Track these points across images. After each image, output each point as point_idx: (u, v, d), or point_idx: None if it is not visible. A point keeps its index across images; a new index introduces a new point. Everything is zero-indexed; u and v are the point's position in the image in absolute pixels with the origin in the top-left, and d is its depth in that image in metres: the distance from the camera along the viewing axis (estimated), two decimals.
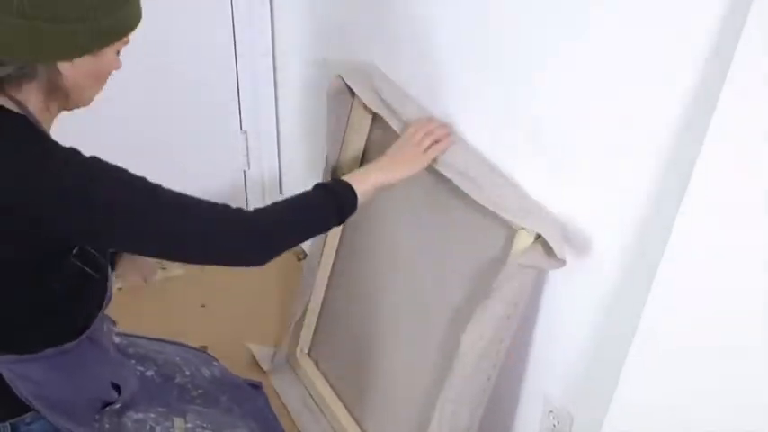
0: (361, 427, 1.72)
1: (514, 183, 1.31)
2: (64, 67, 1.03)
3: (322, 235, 1.70)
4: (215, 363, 1.55)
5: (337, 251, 1.75)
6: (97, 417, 1.23)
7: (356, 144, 1.61)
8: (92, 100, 1.13)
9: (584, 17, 1.11)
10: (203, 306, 2.13)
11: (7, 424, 1.17)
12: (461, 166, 1.31)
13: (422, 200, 1.47)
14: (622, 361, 1.12)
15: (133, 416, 1.27)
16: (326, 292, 1.80)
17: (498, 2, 1.28)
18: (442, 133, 1.33)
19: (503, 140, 1.36)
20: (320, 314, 1.85)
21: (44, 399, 1.17)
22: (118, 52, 1.10)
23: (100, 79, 1.11)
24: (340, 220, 1.20)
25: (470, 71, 1.40)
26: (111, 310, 1.39)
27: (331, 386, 1.82)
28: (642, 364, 1.10)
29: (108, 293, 1.23)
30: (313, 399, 1.83)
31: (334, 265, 1.76)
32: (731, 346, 1.00)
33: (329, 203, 1.19)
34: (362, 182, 1.23)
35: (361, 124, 1.60)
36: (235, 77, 2.19)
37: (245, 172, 2.38)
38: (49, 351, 1.15)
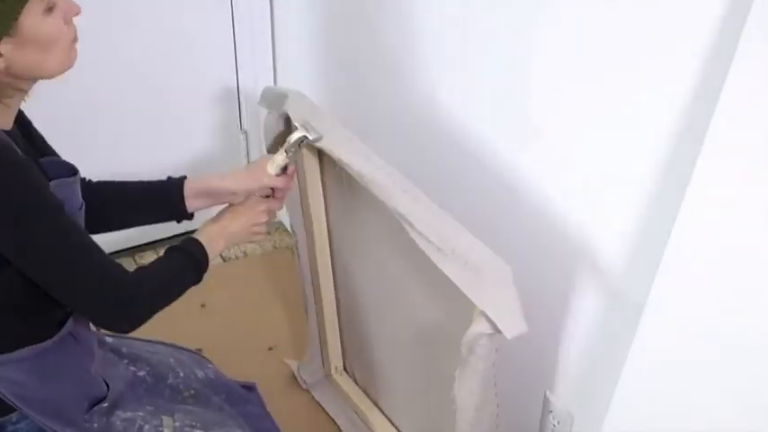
0: None
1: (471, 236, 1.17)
2: None
3: (300, 258, 1.70)
4: (209, 365, 1.55)
5: (333, 267, 1.70)
6: (86, 417, 1.23)
7: (315, 194, 1.55)
8: (66, 63, 1.07)
9: (585, 16, 1.11)
10: (203, 306, 2.13)
11: None
12: (422, 226, 1.18)
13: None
14: (622, 361, 1.12)
15: (121, 415, 1.26)
16: (338, 309, 1.77)
17: (507, 1, 1.28)
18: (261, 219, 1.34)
19: (503, 141, 1.36)
20: (341, 331, 1.81)
21: (27, 400, 1.16)
22: (49, 7, 1.02)
23: (47, 47, 1.03)
24: (199, 279, 1.24)
25: (471, 72, 1.40)
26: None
27: (370, 398, 1.80)
28: (642, 364, 1.10)
29: None
30: (357, 414, 1.81)
31: (335, 281, 1.72)
32: (731, 347, 1.00)
33: (193, 269, 1.22)
34: (213, 241, 1.26)
35: (314, 174, 1.52)
36: (235, 77, 2.20)
37: None
38: (24, 351, 1.14)
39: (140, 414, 1.27)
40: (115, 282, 1.11)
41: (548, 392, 1.45)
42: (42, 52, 1.03)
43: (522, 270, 1.42)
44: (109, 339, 1.37)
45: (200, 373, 1.49)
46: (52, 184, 1.10)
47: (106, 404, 1.25)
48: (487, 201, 1.45)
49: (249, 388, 1.64)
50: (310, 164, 1.47)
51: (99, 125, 2.05)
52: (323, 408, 1.87)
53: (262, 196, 1.34)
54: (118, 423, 1.25)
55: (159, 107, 2.12)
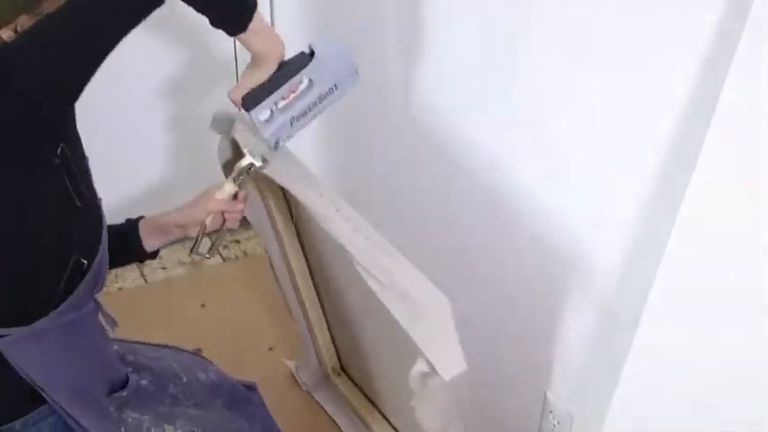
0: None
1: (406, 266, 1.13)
2: (8, 35, 0.98)
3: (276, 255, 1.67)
4: (210, 366, 1.56)
5: (310, 271, 1.69)
6: (105, 399, 1.23)
7: (282, 213, 1.55)
8: None
9: (584, 17, 1.11)
10: (203, 306, 2.13)
11: (15, 424, 1.17)
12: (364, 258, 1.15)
13: None
14: (622, 361, 1.12)
15: (131, 414, 1.27)
16: (324, 312, 1.77)
17: (500, 3, 1.28)
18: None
19: (504, 142, 1.36)
20: (331, 332, 1.81)
21: (52, 381, 1.15)
22: None
23: None
24: None
25: (471, 73, 1.40)
26: (111, 309, 1.39)
27: (368, 399, 1.81)
28: (642, 364, 1.10)
29: (102, 242, 1.17)
30: (356, 414, 1.81)
31: (315, 284, 1.71)
32: (731, 347, 1.00)
33: None
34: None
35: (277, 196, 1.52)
36: (235, 76, 2.20)
37: None
38: (44, 322, 1.12)
39: (146, 417, 1.28)
40: None
41: (548, 392, 1.45)
42: None
43: (523, 270, 1.42)
44: (115, 347, 1.37)
45: (201, 376, 1.49)
46: None
47: (125, 393, 1.25)
48: (486, 201, 1.45)
49: (250, 388, 1.65)
50: (271, 184, 1.46)
51: (96, 123, 2.05)
52: (323, 408, 1.87)
53: (216, 222, 1.34)
54: (129, 420, 1.25)
55: (158, 107, 2.12)
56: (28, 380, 1.13)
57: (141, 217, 1.37)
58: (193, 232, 1.35)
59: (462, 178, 1.50)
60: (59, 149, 1.02)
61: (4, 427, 1.16)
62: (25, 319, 1.11)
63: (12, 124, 0.96)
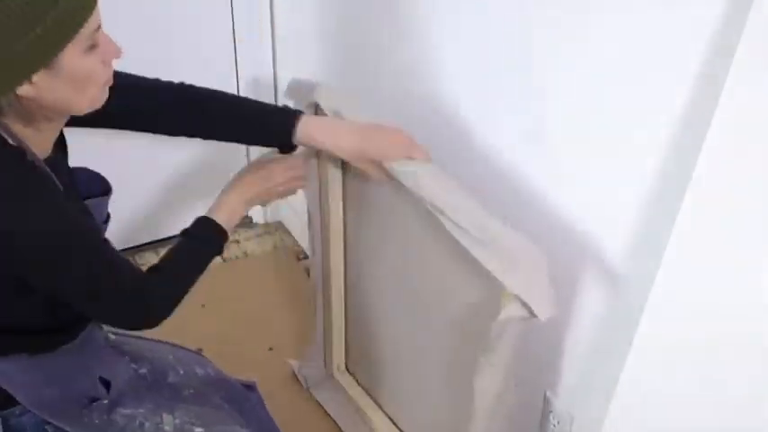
0: None
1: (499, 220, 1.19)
2: (24, 90, 0.96)
3: (318, 254, 1.68)
4: (209, 363, 1.56)
5: (345, 264, 1.70)
6: (85, 411, 1.23)
7: (336, 198, 1.56)
8: (96, 102, 1.05)
9: (586, 14, 1.11)
10: (203, 306, 2.13)
11: None
12: (446, 203, 1.21)
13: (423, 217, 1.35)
14: (622, 361, 1.12)
15: (122, 411, 1.26)
16: (346, 308, 1.77)
17: (502, 3, 1.28)
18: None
19: (504, 140, 1.36)
20: (346, 330, 1.82)
21: (25, 396, 1.17)
22: (92, 46, 0.99)
23: (81, 85, 1.00)
24: (220, 251, 1.28)
25: (471, 71, 1.40)
26: None
27: (372, 399, 1.81)
28: (642, 364, 1.10)
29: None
30: (358, 413, 1.81)
31: (345, 279, 1.72)
32: (732, 347, 1.00)
33: (209, 251, 1.25)
34: (224, 211, 1.26)
35: (334, 177, 1.52)
36: (235, 76, 2.20)
37: None
38: (36, 359, 1.15)
39: (141, 411, 1.28)
40: (132, 288, 1.14)
41: (548, 392, 1.45)
42: (74, 89, 1.00)
43: None
44: (111, 337, 1.37)
45: (200, 372, 1.49)
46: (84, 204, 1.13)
47: (106, 402, 1.25)
48: (484, 200, 1.45)
49: (249, 387, 1.65)
50: (331, 160, 1.48)
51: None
52: (323, 407, 1.87)
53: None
54: (119, 419, 1.25)
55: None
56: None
57: (301, 112, 1.29)
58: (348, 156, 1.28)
59: (471, 173, 1.50)
60: None
61: (6, 411, 1.18)
62: (24, 351, 1.15)
63: None
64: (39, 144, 1.06)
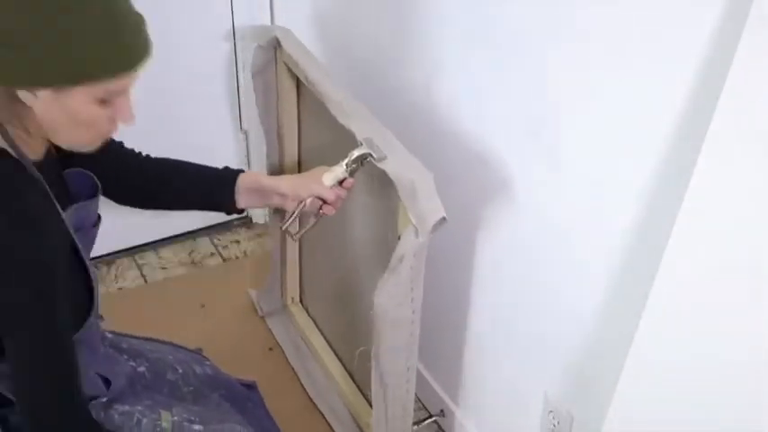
0: (346, 368, 1.84)
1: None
2: (24, 95, 0.94)
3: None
4: (207, 362, 1.56)
5: None
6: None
7: (290, 114, 1.67)
8: (84, 146, 1.04)
9: (585, 13, 1.11)
10: (203, 306, 2.13)
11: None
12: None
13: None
14: (622, 361, 1.12)
15: (120, 408, 1.26)
16: (301, 243, 1.89)
17: (502, 3, 1.28)
18: None
19: (502, 139, 1.36)
20: (300, 265, 1.95)
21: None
22: (106, 101, 0.97)
23: (79, 127, 0.99)
24: None
25: (470, 70, 1.40)
26: (111, 309, 1.39)
27: (320, 330, 1.95)
28: (642, 364, 1.10)
29: (94, 304, 1.18)
30: (305, 342, 1.95)
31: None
32: (732, 347, 1.00)
33: None
34: None
35: (289, 92, 1.64)
36: (235, 76, 2.19)
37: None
38: None
39: (139, 408, 1.28)
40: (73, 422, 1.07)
41: (548, 392, 1.45)
42: (68, 124, 0.99)
43: (523, 270, 1.42)
44: (109, 335, 1.37)
45: (198, 370, 1.49)
46: (71, 209, 1.10)
47: (104, 399, 1.25)
48: (482, 198, 1.45)
49: (249, 386, 1.65)
50: (287, 84, 1.61)
51: None
52: (321, 411, 1.87)
53: (314, 205, 1.32)
54: (116, 417, 1.25)
55: (157, 107, 2.12)
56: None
57: (241, 170, 1.34)
58: (291, 206, 1.32)
59: (458, 176, 1.50)
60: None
61: (5, 410, 1.17)
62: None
63: None
64: (30, 146, 1.05)
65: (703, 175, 0.92)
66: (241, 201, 1.33)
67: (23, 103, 0.96)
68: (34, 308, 1.00)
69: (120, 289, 2.20)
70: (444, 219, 1.16)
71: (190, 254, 2.29)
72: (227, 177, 1.33)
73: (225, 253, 2.32)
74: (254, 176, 1.34)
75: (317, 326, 1.98)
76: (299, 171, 1.73)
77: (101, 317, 1.35)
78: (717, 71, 0.90)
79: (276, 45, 1.57)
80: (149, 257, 2.29)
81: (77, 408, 1.09)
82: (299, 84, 1.63)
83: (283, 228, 1.35)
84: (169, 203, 1.36)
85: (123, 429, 1.24)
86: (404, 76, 1.60)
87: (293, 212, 1.32)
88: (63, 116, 0.97)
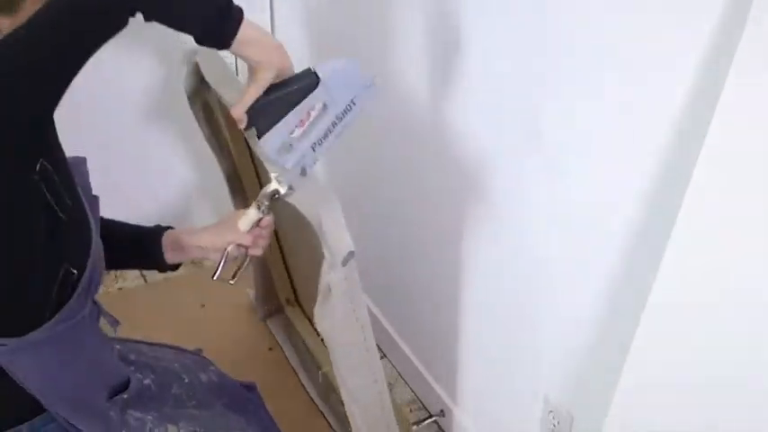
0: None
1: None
2: None
3: None
4: (211, 367, 1.56)
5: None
6: (107, 404, 1.22)
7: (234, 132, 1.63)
8: None
9: (585, 13, 1.11)
10: (203, 306, 2.13)
11: (22, 428, 1.16)
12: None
13: None
14: (622, 361, 1.12)
15: (134, 414, 1.27)
16: (279, 240, 1.89)
17: (502, 2, 1.28)
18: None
19: (503, 139, 1.36)
20: (286, 265, 1.95)
21: (46, 389, 1.16)
22: None
23: None
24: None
25: (470, 70, 1.40)
26: (112, 309, 1.39)
27: (315, 329, 1.91)
28: (642, 364, 1.10)
29: (93, 251, 1.15)
30: (302, 342, 1.94)
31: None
32: (733, 348, 1.00)
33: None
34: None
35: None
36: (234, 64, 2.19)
37: None
38: (37, 334, 1.12)
39: (149, 417, 1.28)
40: None
41: (548, 392, 1.45)
42: None
43: (523, 271, 1.42)
44: (117, 346, 1.37)
45: (203, 377, 1.49)
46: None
47: (126, 395, 1.24)
48: (482, 198, 1.45)
49: (249, 388, 1.65)
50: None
51: (94, 121, 2.05)
52: (322, 413, 1.87)
53: (239, 250, 1.32)
54: (131, 421, 1.25)
55: (157, 108, 2.12)
56: (26, 389, 1.13)
57: (170, 227, 1.35)
58: (215, 257, 1.33)
59: (456, 176, 1.50)
60: (38, 165, 1.00)
61: (12, 429, 1.16)
62: (18, 331, 1.10)
63: None
64: None
65: (703, 175, 0.92)
66: (169, 258, 1.34)
67: None
68: None
69: (120, 289, 2.20)
70: (352, 253, 1.14)
71: (212, 278, 2.28)
72: (154, 237, 1.33)
73: None
74: (174, 235, 1.34)
75: (312, 325, 1.96)
76: (257, 178, 1.71)
77: (117, 321, 1.33)
78: (717, 71, 0.90)
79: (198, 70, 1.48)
80: None
81: None
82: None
83: (215, 278, 1.36)
84: (107, 264, 1.34)
85: None
86: (403, 72, 1.60)
87: (219, 263, 1.32)
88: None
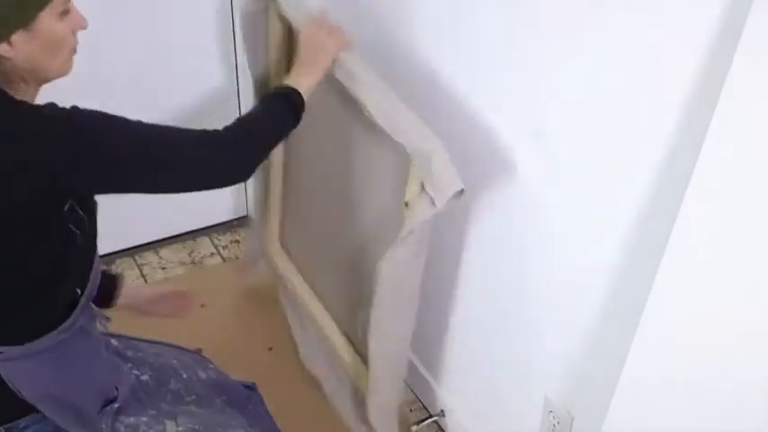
0: (331, 315, 1.83)
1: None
2: (2, 50, 1.02)
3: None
4: (210, 365, 1.56)
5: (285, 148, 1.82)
6: (99, 416, 1.23)
7: (278, 59, 1.66)
8: (65, 69, 1.11)
9: (584, 12, 1.11)
10: (203, 306, 2.13)
11: (1, 429, 1.17)
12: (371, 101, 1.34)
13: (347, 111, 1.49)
14: (622, 361, 1.12)
15: (125, 420, 1.26)
16: (284, 185, 1.89)
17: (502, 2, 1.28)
18: (339, 33, 1.40)
19: (503, 139, 1.36)
20: (282, 207, 1.95)
21: (42, 397, 1.16)
22: (65, 12, 1.07)
23: (55, 49, 1.07)
24: (297, 120, 1.28)
25: (470, 70, 1.40)
26: (111, 309, 1.39)
27: (301, 274, 1.94)
28: (642, 364, 1.10)
29: (94, 269, 1.23)
30: (287, 288, 1.94)
31: (285, 156, 1.83)
32: (733, 347, 1.00)
33: (287, 108, 1.27)
34: (300, 85, 1.30)
35: (280, 40, 1.64)
36: (234, 76, 2.19)
37: None
38: (36, 344, 1.14)
39: (144, 419, 1.28)
40: (209, 136, 1.17)
41: (548, 392, 1.45)
42: (47, 52, 1.06)
43: (523, 271, 1.42)
44: (114, 342, 1.37)
45: (202, 374, 1.49)
46: None
47: (117, 405, 1.25)
48: (481, 198, 1.45)
49: (249, 388, 1.65)
50: (276, 33, 1.59)
51: None
52: (322, 406, 1.87)
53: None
54: (122, 429, 1.25)
55: (157, 107, 2.12)
56: (21, 396, 1.14)
57: (121, 274, 1.44)
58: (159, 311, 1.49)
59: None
60: (67, 205, 1.08)
61: (10, 424, 1.18)
62: (17, 341, 1.13)
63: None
64: (30, 95, 1.10)
65: (703, 175, 0.92)
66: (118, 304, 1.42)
67: (3, 57, 1.03)
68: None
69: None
70: (462, 191, 1.18)
71: (190, 254, 2.29)
72: (115, 282, 1.41)
73: (225, 253, 2.32)
74: (126, 292, 1.43)
75: (300, 272, 1.96)
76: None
77: (107, 318, 1.34)
78: (717, 71, 0.90)
79: None
80: (149, 257, 2.29)
81: (209, 136, 1.18)
82: (290, 32, 1.60)
83: None
84: None
85: None
86: (417, 44, 1.60)
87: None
88: (41, 48, 1.05)
